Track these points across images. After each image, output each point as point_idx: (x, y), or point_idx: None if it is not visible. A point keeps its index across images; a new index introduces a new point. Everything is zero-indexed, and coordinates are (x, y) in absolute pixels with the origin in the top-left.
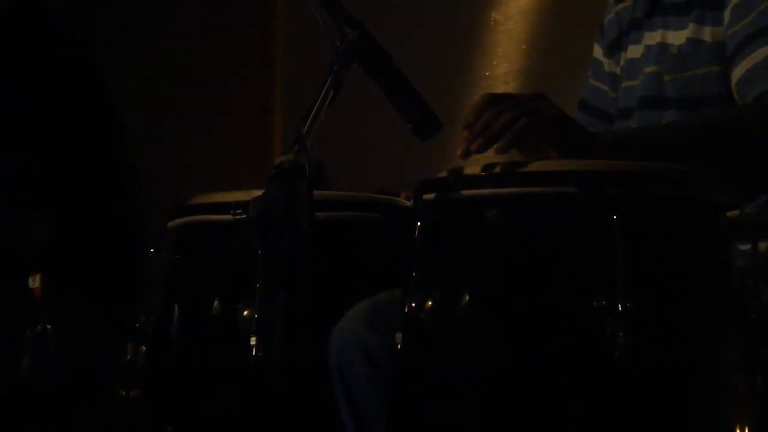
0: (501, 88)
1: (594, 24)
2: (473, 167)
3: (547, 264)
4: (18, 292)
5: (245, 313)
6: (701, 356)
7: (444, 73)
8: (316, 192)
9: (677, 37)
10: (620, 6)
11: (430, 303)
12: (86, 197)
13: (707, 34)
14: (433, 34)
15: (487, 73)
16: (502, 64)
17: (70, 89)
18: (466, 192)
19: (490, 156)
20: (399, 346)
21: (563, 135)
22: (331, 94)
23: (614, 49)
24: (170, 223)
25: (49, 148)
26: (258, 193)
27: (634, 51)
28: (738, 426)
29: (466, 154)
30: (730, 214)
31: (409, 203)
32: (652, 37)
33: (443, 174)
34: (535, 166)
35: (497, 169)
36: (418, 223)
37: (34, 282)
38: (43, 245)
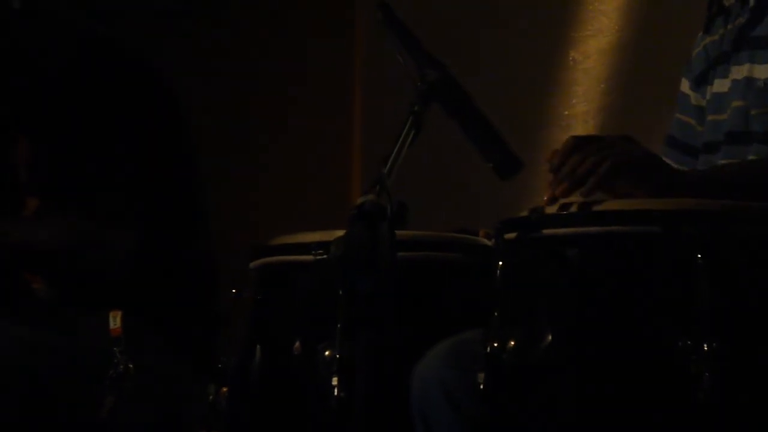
0: (580, 126)
1: (672, 62)
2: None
3: (630, 303)
4: (100, 330)
5: (327, 353)
6: None
7: (523, 112)
8: (397, 232)
9: (764, 71)
10: (708, 39)
11: (512, 343)
12: (166, 228)
13: None
14: (513, 73)
15: (566, 112)
16: (581, 103)
17: (149, 121)
18: (547, 231)
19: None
20: (481, 386)
21: (649, 176)
22: (411, 135)
23: (701, 82)
24: (252, 264)
25: (123, 181)
26: (339, 233)
27: (720, 85)
28: None
29: (553, 200)
30: None
31: (489, 242)
32: (740, 71)
33: (524, 213)
34: (616, 205)
35: (578, 209)
36: (500, 263)
37: (115, 322)
38: (124, 265)
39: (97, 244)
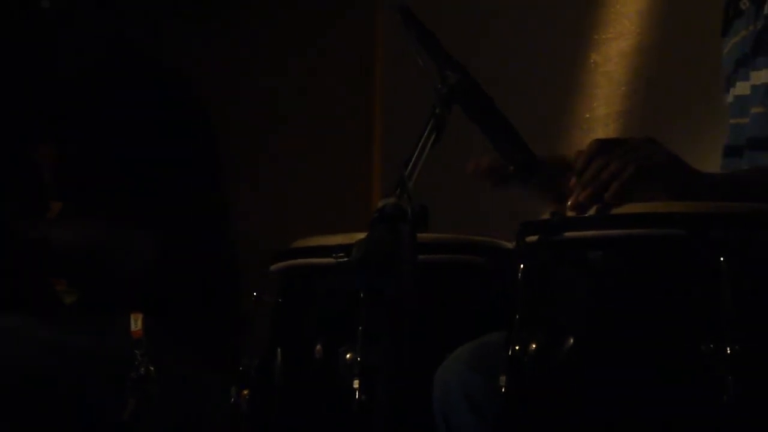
0: (601, 130)
1: (693, 65)
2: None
3: (654, 306)
4: (121, 333)
5: (348, 356)
6: None
7: (544, 115)
8: (418, 235)
9: None
10: (732, 41)
11: (534, 346)
12: (188, 231)
13: None
14: (533, 75)
15: (587, 115)
16: (602, 106)
17: (173, 125)
18: (569, 234)
19: None
20: (503, 390)
21: (673, 179)
22: (432, 137)
23: (729, 85)
24: (272, 267)
25: (147, 184)
26: (360, 236)
27: (742, 88)
28: None
29: (577, 206)
30: None
31: (510, 245)
32: (758, 77)
33: (546, 215)
34: (639, 208)
35: (601, 211)
36: (521, 266)
37: (136, 324)
38: (145, 267)
39: (118, 245)
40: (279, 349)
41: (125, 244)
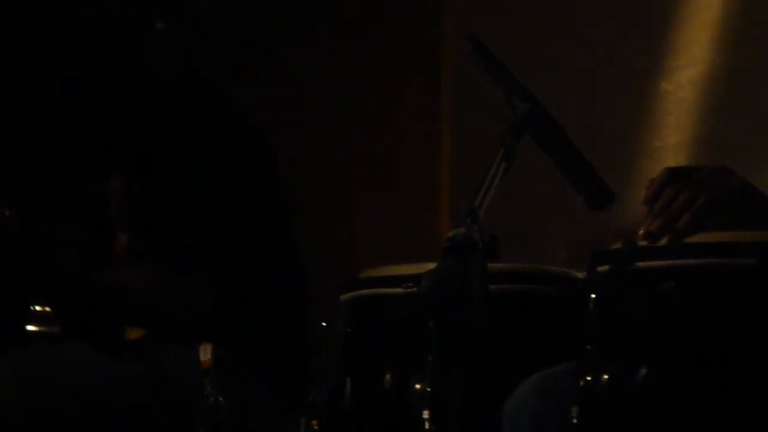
0: (672, 158)
1: (765, 92)
2: None
3: (726, 336)
4: (191, 362)
5: (418, 386)
6: None
7: (615, 144)
8: (489, 264)
9: None
10: None
11: (606, 376)
12: (253, 267)
13: None
14: (604, 104)
15: (658, 144)
16: (673, 135)
17: (241, 160)
18: (641, 264)
19: None
20: (574, 420)
21: (746, 209)
22: (503, 167)
23: None
24: (342, 296)
25: (216, 218)
26: (430, 266)
27: None
28: None
29: (648, 235)
30: None
31: (581, 274)
32: None
33: (617, 245)
34: (711, 237)
35: (673, 240)
36: (593, 295)
37: (206, 354)
38: (206, 315)
39: (186, 292)
40: (348, 379)
41: (193, 291)
